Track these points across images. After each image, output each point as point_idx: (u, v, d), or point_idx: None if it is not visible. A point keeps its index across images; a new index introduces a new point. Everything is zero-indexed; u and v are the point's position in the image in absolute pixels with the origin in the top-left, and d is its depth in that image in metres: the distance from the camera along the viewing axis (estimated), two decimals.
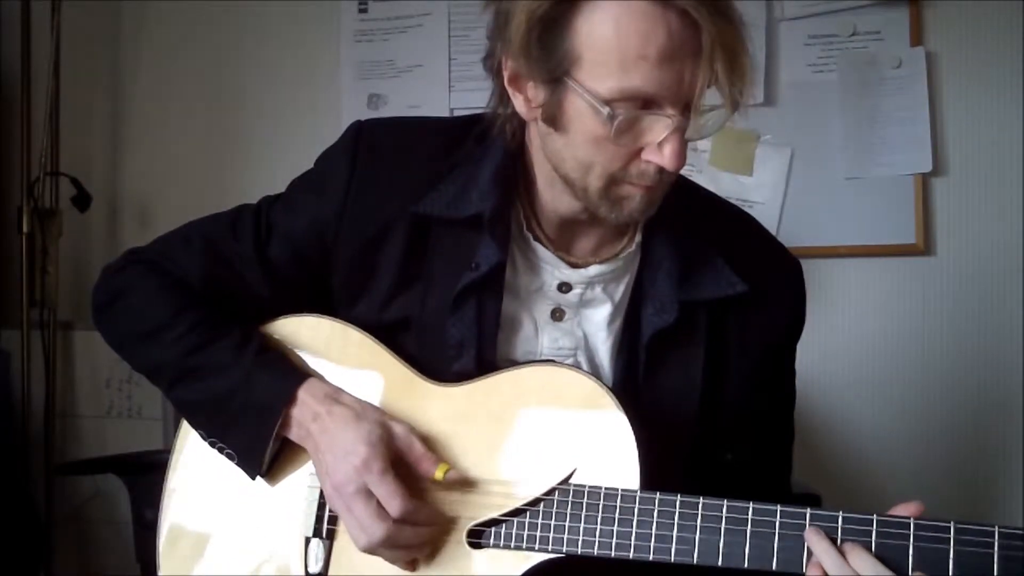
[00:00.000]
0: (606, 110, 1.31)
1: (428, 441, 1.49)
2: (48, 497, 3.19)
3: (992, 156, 2.86)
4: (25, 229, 3.12)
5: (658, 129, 1.32)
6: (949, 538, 1.27)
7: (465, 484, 1.47)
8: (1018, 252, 2.84)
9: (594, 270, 1.53)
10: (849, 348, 2.92)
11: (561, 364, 1.50)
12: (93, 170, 3.35)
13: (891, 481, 2.90)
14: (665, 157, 1.33)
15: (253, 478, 1.55)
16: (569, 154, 1.40)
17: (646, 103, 1.31)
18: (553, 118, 1.38)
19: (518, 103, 1.42)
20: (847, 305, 2.92)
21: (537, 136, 1.47)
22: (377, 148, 1.57)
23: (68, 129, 3.28)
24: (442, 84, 3.16)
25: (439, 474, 1.44)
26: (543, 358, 1.54)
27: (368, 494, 1.42)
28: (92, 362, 3.24)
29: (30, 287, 3.14)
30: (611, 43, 1.29)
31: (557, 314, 1.55)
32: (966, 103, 2.87)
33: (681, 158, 1.34)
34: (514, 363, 1.53)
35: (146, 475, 2.65)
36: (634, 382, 1.51)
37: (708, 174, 2.91)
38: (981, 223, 2.87)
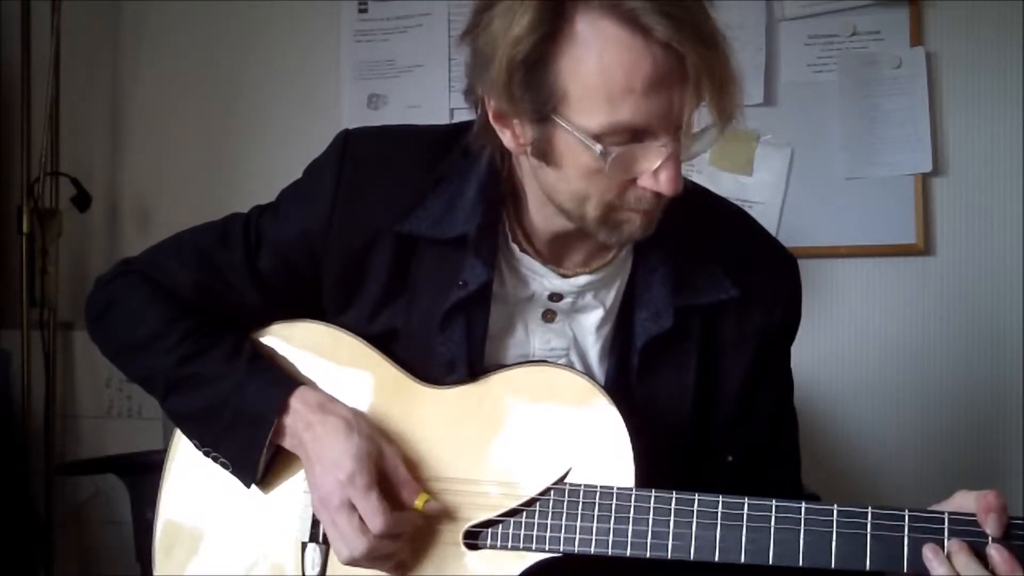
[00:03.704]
0: (598, 147, 1.29)
1: (423, 444, 1.50)
2: (48, 497, 3.18)
3: (992, 156, 2.85)
4: (25, 229, 3.12)
5: (652, 157, 1.31)
6: (943, 528, 1.29)
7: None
8: (1018, 252, 2.84)
9: (584, 279, 1.52)
10: (848, 348, 2.92)
11: (553, 364, 1.51)
12: (93, 170, 3.34)
13: (890, 481, 2.90)
14: (661, 184, 1.32)
15: (248, 486, 1.55)
16: (563, 187, 1.39)
17: (637, 134, 1.30)
18: (544, 153, 1.37)
19: (505, 138, 1.40)
20: (847, 305, 2.91)
21: (527, 163, 1.45)
22: (363, 159, 1.56)
23: (68, 129, 3.28)
24: (442, 84, 3.16)
25: (419, 504, 1.44)
26: (535, 358, 1.54)
27: (351, 508, 1.42)
28: (92, 362, 3.23)
29: (30, 287, 3.14)
30: (596, 79, 1.27)
31: (548, 315, 1.55)
32: (966, 103, 2.87)
33: (678, 183, 1.32)
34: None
35: (146, 475, 2.63)
36: (626, 386, 1.51)
37: (708, 174, 2.91)
38: (981, 223, 2.87)
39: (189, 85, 3.34)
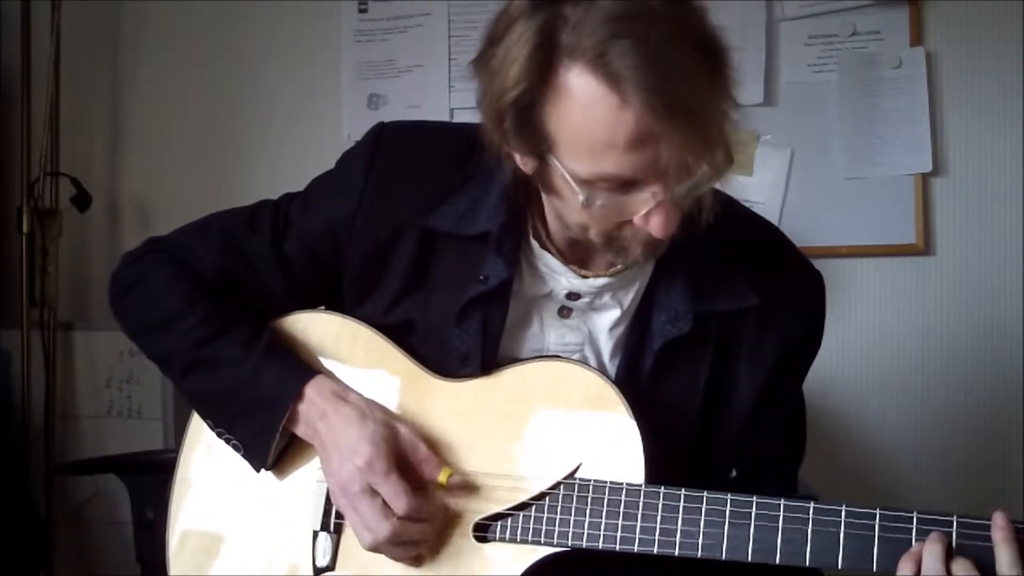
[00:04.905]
0: (582, 196, 1.30)
1: (436, 436, 1.50)
2: (48, 497, 3.18)
3: (992, 156, 2.87)
4: (25, 229, 3.11)
5: (641, 205, 1.31)
6: (952, 532, 1.28)
7: (471, 480, 1.48)
8: (1018, 252, 2.85)
9: (603, 280, 1.52)
10: (849, 348, 2.93)
11: (567, 359, 1.51)
12: (93, 170, 3.34)
13: (890, 480, 2.91)
14: (652, 228, 1.31)
15: (258, 471, 1.56)
16: (565, 214, 1.40)
17: (626, 183, 1.29)
18: (544, 184, 1.39)
19: (516, 160, 1.40)
20: (847, 305, 2.92)
21: None
22: (395, 153, 1.58)
23: (68, 129, 3.28)
24: (442, 84, 3.16)
25: (442, 478, 1.45)
26: (549, 353, 1.55)
27: (373, 493, 1.43)
28: (92, 362, 3.23)
29: (30, 287, 3.14)
30: (579, 132, 1.27)
31: (564, 312, 1.55)
32: (966, 103, 2.88)
33: (669, 228, 1.31)
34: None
35: (146, 475, 2.65)
36: (635, 387, 1.50)
37: None
38: (981, 223, 2.88)
39: (189, 85, 3.34)
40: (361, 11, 3.23)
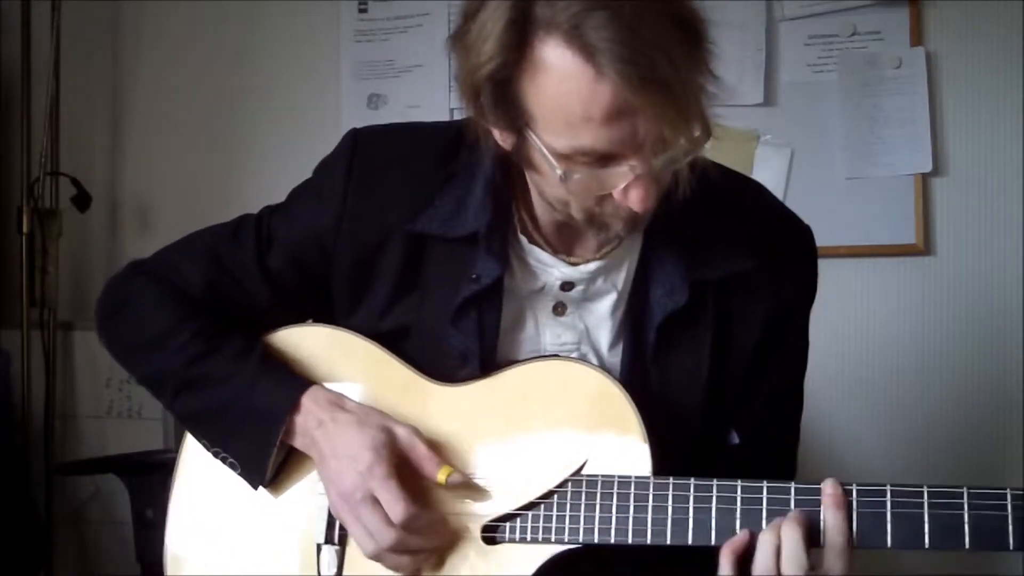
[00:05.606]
0: (559, 171, 1.30)
1: (437, 441, 1.49)
2: (48, 497, 3.17)
3: (992, 156, 2.86)
4: (25, 229, 3.11)
5: (620, 179, 1.30)
6: (963, 503, 1.32)
7: (476, 483, 1.47)
8: (1018, 252, 2.85)
9: (594, 265, 1.52)
10: (848, 348, 2.93)
11: (566, 358, 1.51)
12: (93, 170, 3.35)
13: (889, 479, 2.90)
14: (631, 202, 1.31)
15: (256, 488, 1.54)
16: (545, 189, 1.40)
17: (603, 157, 1.29)
18: (523, 160, 1.38)
19: (495, 136, 1.40)
20: (847, 305, 2.92)
21: None
22: (373, 157, 1.57)
23: (68, 129, 3.27)
24: (442, 84, 3.16)
25: (441, 477, 1.44)
26: (547, 353, 1.54)
27: (374, 500, 1.42)
28: (92, 362, 3.22)
29: (30, 287, 3.14)
30: (556, 106, 1.26)
31: (559, 308, 1.55)
32: (966, 103, 2.88)
33: (648, 201, 1.31)
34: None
35: (146, 475, 2.65)
36: (641, 366, 1.51)
37: None
38: (981, 223, 2.88)
39: (189, 85, 3.35)
40: (361, 11, 3.23)
